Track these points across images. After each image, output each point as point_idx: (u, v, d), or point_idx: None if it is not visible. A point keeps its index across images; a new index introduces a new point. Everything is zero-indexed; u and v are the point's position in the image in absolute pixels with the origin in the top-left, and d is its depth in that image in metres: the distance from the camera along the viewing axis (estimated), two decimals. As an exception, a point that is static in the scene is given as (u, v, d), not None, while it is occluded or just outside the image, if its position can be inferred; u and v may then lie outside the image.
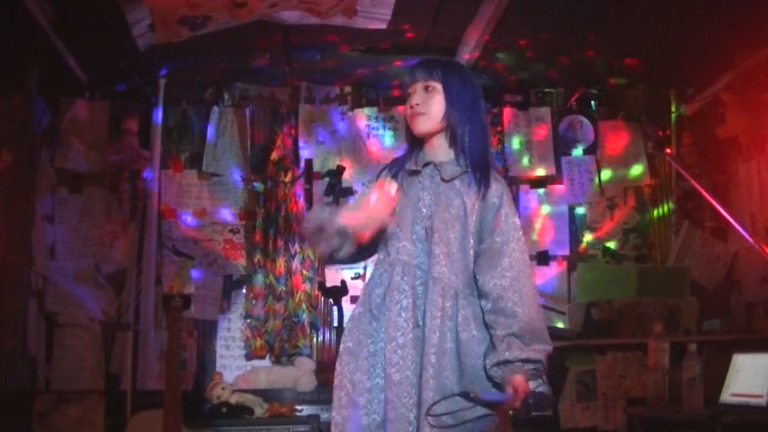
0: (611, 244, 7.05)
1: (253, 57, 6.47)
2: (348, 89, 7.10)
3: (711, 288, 6.67)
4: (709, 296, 6.54)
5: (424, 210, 3.32)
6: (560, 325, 6.40)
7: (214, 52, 6.29)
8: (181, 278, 5.96)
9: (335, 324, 5.35)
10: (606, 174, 7.14)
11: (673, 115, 7.18)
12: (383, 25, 5.73)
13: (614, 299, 5.83)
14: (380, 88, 7.10)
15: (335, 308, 5.35)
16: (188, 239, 6.76)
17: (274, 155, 6.86)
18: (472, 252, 3.28)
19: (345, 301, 5.33)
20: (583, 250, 7.06)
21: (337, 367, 3.34)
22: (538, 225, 7.06)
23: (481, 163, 3.36)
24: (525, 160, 7.13)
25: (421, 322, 3.21)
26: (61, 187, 6.69)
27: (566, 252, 7.05)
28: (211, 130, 6.89)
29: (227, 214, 6.87)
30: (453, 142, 3.39)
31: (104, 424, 6.30)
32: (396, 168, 3.46)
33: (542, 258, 7.02)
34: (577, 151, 7.16)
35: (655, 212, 7.11)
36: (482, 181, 3.32)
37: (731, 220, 5.62)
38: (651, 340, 5.04)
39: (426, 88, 3.40)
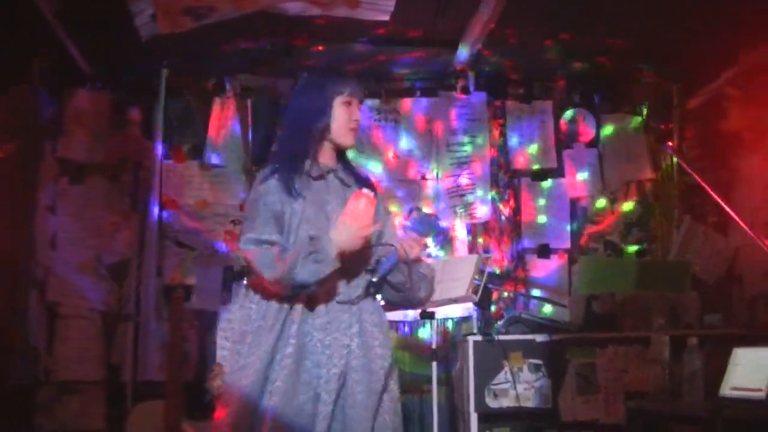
0: (613, 238, 7.06)
1: (255, 48, 6.46)
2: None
3: (712, 282, 6.66)
4: (711, 291, 6.53)
5: (336, 215, 3.51)
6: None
7: (216, 43, 6.28)
8: (183, 269, 5.96)
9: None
10: (608, 167, 7.14)
11: (676, 109, 7.17)
12: (386, 17, 5.72)
13: (615, 293, 5.83)
14: (383, 80, 7.10)
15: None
16: (190, 230, 6.77)
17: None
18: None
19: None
20: (584, 243, 7.07)
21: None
22: (539, 218, 7.07)
23: (364, 172, 3.90)
24: (527, 153, 7.13)
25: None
26: (62, 177, 6.69)
27: (567, 245, 7.05)
28: (213, 122, 6.89)
29: (229, 206, 6.87)
30: (341, 155, 3.73)
31: (105, 415, 6.33)
32: (290, 174, 3.54)
33: (543, 251, 7.03)
34: (580, 145, 7.16)
35: (657, 206, 7.11)
36: (371, 185, 3.67)
37: (733, 214, 5.63)
38: (652, 334, 5.05)
39: (359, 108, 3.65)
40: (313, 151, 3.60)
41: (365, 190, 3.39)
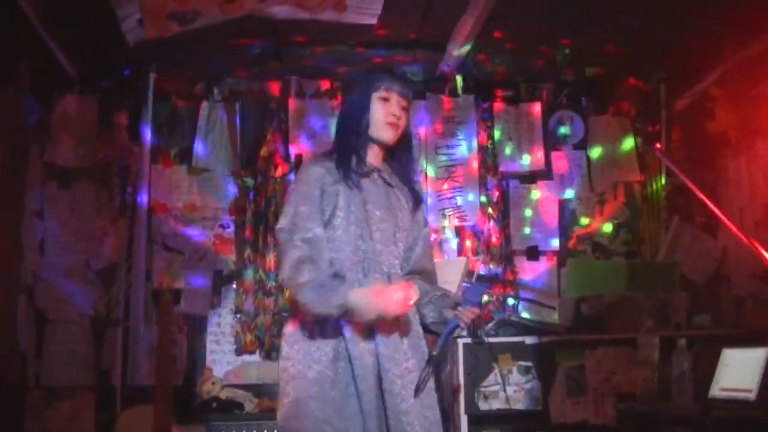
0: (601, 240, 7.07)
1: (242, 52, 6.46)
2: (338, 84, 7.08)
3: (701, 283, 6.67)
4: (699, 291, 6.54)
5: (378, 213, 3.61)
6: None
7: (203, 47, 6.28)
8: (171, 273, 5.96)
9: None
10: (596, 169, 7.15)
11: (663, 110, 7.18)
12: (373, 20, 5.73)
13: (604, 294, 5.83)
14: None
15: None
16: (178, 234, 6.76)
17: (264, 150, 6.87)
18: (403, 245, 3.72)
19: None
20: (572, 245, 7.07)
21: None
22: (527, 220, 7.07)
23: (413, 179, 3.86)
24: (515, 155, 7.13)
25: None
26: (50, 182, 6.67)
27: (556, 247, 7.06)
28: (200, 126, 6.88)
29: (217, 210, 6.87)
30: (390, 156, 3.78)
31: (95, 420, 6.32)
32: (340, 169, 3.61)
33: (532, 253, 7.04)
34: (567, 146, 7.17)
35: (645, 207, 7.12)
36: (416, 193, 3.83)
37: (720, 215, 5.64)
38: (641, 335, 5.05)
39: (402, 106, 3.68)
40: (361, 150, 3.65)
41: (415, 293, 3.41)
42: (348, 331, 3.43)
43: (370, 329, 3.45)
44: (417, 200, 3.81)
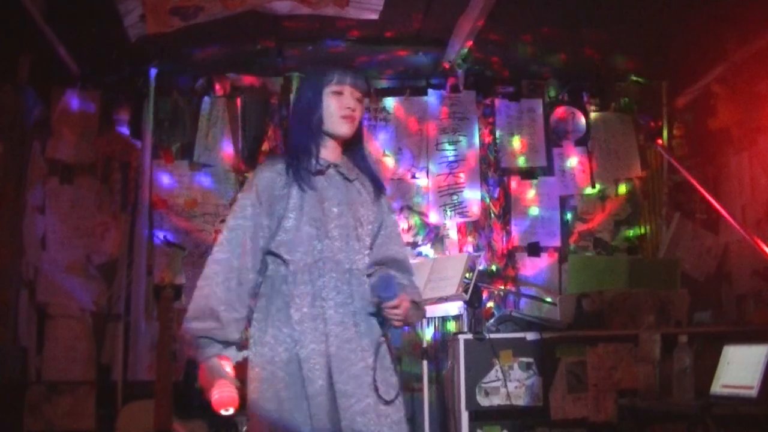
0: (602, 236, 7.07)
1: (244, 48, 6.45)
2: (339, 80, 7.06)
3: (702, 280, 6.67)
4: (700, 288, 6.54)
5: (335, 209, 3.54)
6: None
7: (205, 42, 6.27)
8: (172, 269, 5.94)
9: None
10: (597, 165, 7.15)
11: (665, 107, 7.18)
12: (375, 16, 5.72)
13: (605, 291, 5.83)
14: (373, 79, 7.08)
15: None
16: (179, 230, 6.76)
17: (266, 146, 6.86)
18: (369, 239, 3.63)
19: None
20: (574, 241, 7.07)
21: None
22: (529, 216, 7.07)
23: (372, 168, 3.79)
24: (516, 152, 7.13)
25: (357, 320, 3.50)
26: (52, 177, 6.68)
27: (557, 243, 7.05)
28: (202, 121, 6.88)
29: (218, 205, 6.86)
30: (347, 149, 3.70)
31: (95, 415, 6.32)
32: (291, 170, 3.55)
33: (533, 249, 7.03)
34: (569, 143, 7.16)
35: (647, 204, 7.11)
36: (377, 182, 3.74)
37: (722, 211, 5.63)
38: (642, 332, 5.05)
39: (356, 98, 3.61)
40: (314, 147, 3.59)
41: (229, 410, 3.39)
42: (299, 334, 3.40)
43: (323, 331, 3.40)
44: (378, 189, 3.72)
